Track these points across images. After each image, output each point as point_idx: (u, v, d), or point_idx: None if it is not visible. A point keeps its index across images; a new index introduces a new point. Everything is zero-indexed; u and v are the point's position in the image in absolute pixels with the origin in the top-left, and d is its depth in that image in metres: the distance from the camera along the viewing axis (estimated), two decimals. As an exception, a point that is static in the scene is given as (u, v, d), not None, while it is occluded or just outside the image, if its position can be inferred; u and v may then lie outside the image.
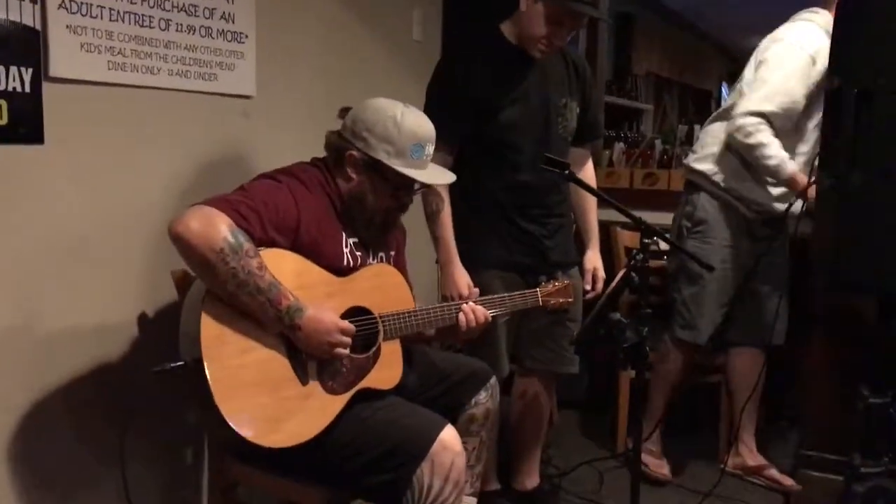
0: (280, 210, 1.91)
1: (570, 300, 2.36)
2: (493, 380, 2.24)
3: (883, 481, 2.06)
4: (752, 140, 2.75)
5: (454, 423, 1.99)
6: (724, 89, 10.78)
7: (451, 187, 2.44)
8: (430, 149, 2.07)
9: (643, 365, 2.09)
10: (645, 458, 3.12)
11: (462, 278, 2.43)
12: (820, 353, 3.42)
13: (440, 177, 2.16)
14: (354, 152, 2.02)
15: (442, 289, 2.44)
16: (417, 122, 2.04)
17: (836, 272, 1.91)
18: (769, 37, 2.98)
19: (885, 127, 1.84)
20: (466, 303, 2.18)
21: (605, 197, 2.09)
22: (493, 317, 2.22)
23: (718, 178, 2.96)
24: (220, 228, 1.77)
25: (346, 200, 2.06)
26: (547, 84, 2.54)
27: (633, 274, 1.99)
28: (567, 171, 2.00)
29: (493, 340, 2.51)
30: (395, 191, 2.06)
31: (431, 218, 2.47)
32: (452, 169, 2.31)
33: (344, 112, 2.10)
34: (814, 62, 2.71)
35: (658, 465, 3.17)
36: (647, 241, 2.05)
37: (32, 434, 2.04)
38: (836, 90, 1.92)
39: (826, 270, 1.97)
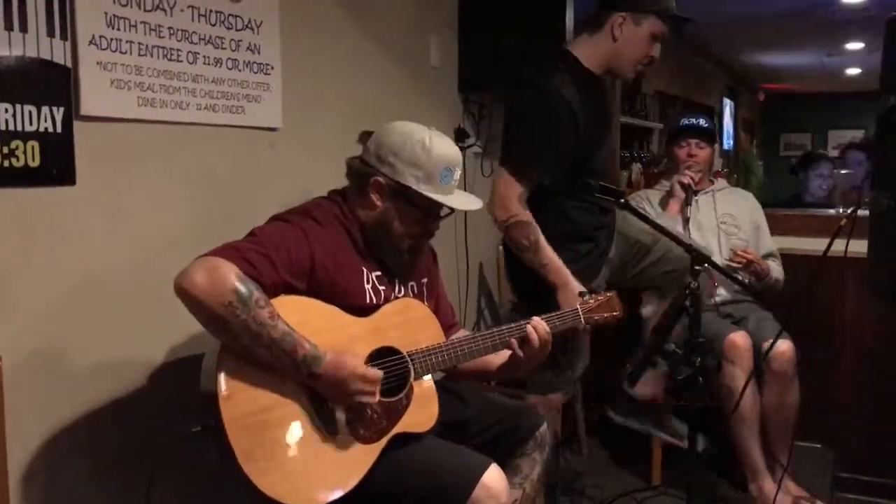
0: (292, 252, 1.82)
1: (615, 314, 2.19)
2: (543, 428, 2.13)
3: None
4: None
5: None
6: (727, 105, 10.79)
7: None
8: (458, 174, 1.99)
9: (697, 396, 2.02)
10: None
11: None
12: (854, 376, 3.38)
13: (469, 202, 2.05)
14: (380, 178, 1.93)
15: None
16: (446, 146, 1.96)
17: (898, 295, 1.85)
18: None
19: (945, 145, 1.78)
20: (503, 330, 2.04)
21: (656, 223, 2.03)
22: None
23: None
24: (228, 279, 1.67)
25: (370, 230, 1.97)
26: (610, 106, 2.56)
27: (688, 303, 1.93)
28: (623, 200, 1.95)
29: None
30: (423, 218, 1.97)
31: (531, 249, 2.38)
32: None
33: (365, 136, 2.02)
34: None
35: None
36: (698, 268, 2.00)
37: (53, 475, 1.96)
38: (892, 109, 1.87)
39: (886, 293, 1.91)
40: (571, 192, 2.41)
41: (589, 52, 2.48)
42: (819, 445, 3.59)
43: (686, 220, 3.22)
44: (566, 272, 2.37)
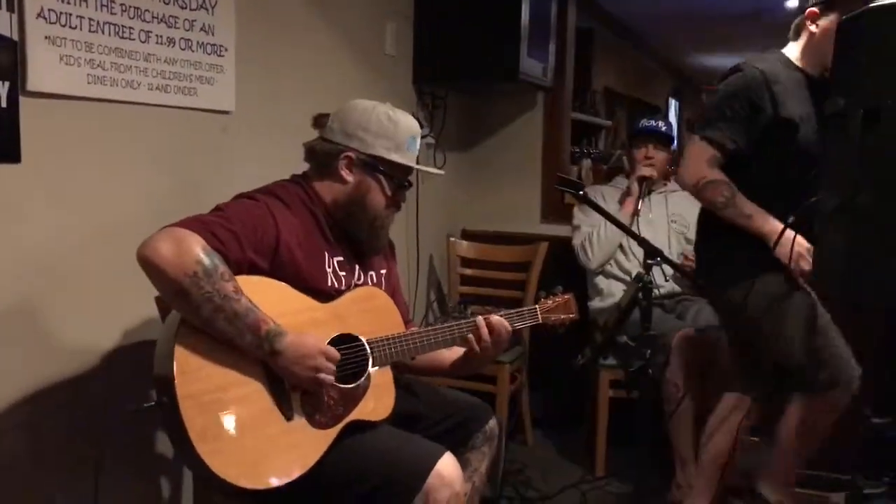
0: (258, 229, 1.81)
1: (572, 315, 2.19)
2: (493, 422, 2.13)
3: (885, 502, 2.06)
4: None
5: None
6: (672, 105, 10.96)
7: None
8: (419, 143, 2.06)
9: (647, 387, 2.06)
10: None
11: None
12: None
13: (434, 169, 2.21)
14: (350, 153, 1.96)
15: (790, 256, 2.25)
16: (408, 117, 2.04)
17: (847, 292, 1.89)
18: None
19: (891, 146, 1.83)
20: (461, 324, 2.04)
21: (612, 216, 2.05)
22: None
23: None
24: (192, 251, 1.65)
25: (341, 209, 1.98)
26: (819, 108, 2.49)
27: (641, 295, 1.95)
28: (581, 192, 1.95)
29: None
30: (394, 187, 2.01)
31: (728, 204, 2.31)
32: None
33: (321, 118, 2.04)
34: None
35: None
36: (650, 261, 2.02)
37: None
38: (841, 110, 1.91)
39: (836, 291, 1.95)
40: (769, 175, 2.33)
41: (798, 53, 2.47)
42: (756, 439, 3.68)
43: (636, 214, 3.29)
44: (773, 219, 2.28)
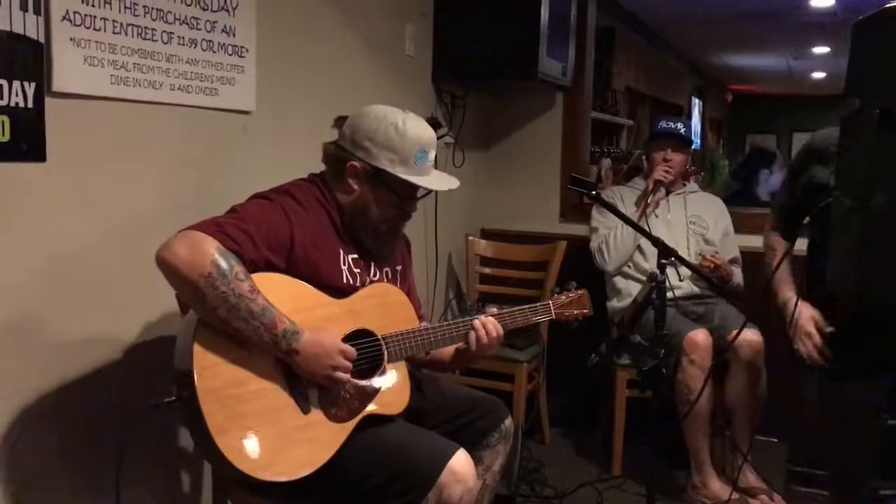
0: (273, 229, 1.84)
1: (585, 311, 2.22)
2: (508, 421, 2.14)
3: (901, 503, 2.05)
4: None
5: None
6: (696, 104, 10.90)
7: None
8: (433, 155, 2.00)
9: (660, 386, 2.06)
10: None
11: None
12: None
13: (445, 182, 2.05)
14: (356, 163, 1.95)
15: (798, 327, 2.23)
16: (420, 128, 1.98)
17: (860, 294, 1.89)
18: None
19: (907, 148, 1.82)
20: (475, 318, 2.06)
21: (627, 217, 2.06)
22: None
23: None
24: (208, 252, 1.69)
25: (348, 213, 1.99)
26: None
27: (654, 295, 1.96)
28: (595, 192, 1.97)
29: None
30: (399, 200, 1.99)
31: (769, 275, 2.28)
32: None
33: (340, 121, 2.04)
34: None
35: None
36: (664, 261, 2.03)
37: (22, 456, 1.94)
38: (856, 111, 1.91)
39: (849, 293, 1.95)
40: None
41: None
42: (776, 440, 3.67)
43: (643, 213, 3.32)
44: (790, 291, 2.25)
